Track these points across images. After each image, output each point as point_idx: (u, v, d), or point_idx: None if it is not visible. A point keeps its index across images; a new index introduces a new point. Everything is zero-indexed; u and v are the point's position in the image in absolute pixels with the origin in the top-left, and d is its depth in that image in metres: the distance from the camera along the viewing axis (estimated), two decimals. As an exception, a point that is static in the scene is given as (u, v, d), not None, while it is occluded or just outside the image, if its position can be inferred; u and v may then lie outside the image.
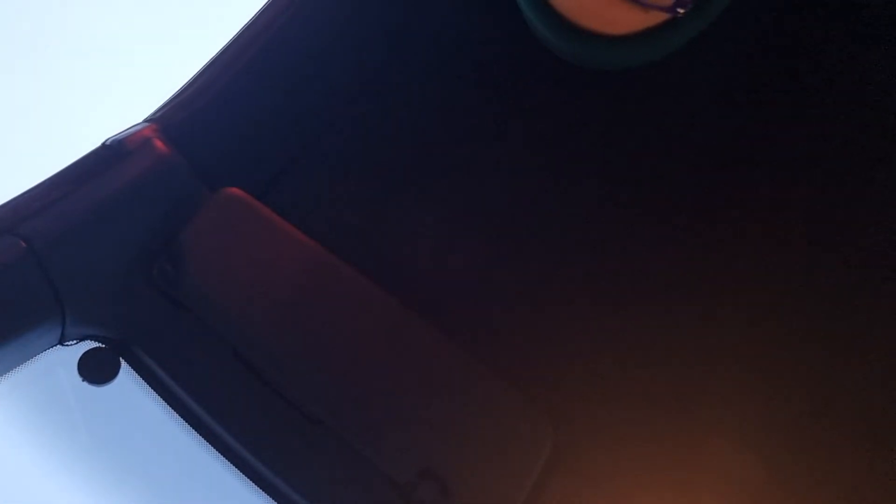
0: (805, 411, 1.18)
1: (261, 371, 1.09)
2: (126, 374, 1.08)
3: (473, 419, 1.10)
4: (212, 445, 1.06)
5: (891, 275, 1.24)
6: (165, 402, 1.07)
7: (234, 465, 1.05)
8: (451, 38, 1.45)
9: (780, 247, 1.28)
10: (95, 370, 1.06)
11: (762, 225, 1.30)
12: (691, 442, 1.17)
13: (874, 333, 1.21)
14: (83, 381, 1.05)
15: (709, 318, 1.25)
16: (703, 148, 1.33)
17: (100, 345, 1.08)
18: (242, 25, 1.27)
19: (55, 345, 1.04)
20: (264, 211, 1.20)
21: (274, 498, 1.04)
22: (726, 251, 1.29)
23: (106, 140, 1.13)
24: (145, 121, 1.19)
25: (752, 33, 1.35)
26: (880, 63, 1.30)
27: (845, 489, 1.15)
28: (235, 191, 1.20)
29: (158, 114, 1.20)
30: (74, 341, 1.06)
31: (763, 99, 1.34)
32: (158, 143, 1.16)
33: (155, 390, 1.07)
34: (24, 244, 1.00)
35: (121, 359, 1.08)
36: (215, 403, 1.07)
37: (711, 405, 1.19)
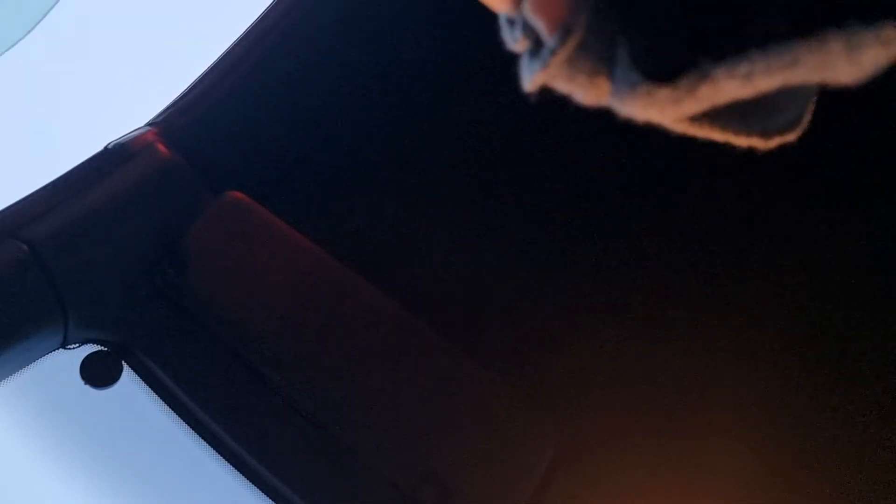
0: (808, 414, 1.18)
1: (263, 374, 1.09)
2: (128, 377, 1.08)
3: (475, 422, 1.10)
4: (214, 449, 1.05)
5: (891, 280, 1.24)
6: (168, 405, 1.07)
7: (236, 468, 1.05)
8: (456, 42, 1.45)
9: (783, 246, 1.28)
10: (98, 373, 1.06)
11: (764, 221, 1.30)
12: (693, 443, 1.17)
13: (878, 336, 1.22)
14: (85, 384, 1.05)
15: (711, 320, 1.25)
16: (702, 152, 1.33)
17: (102, 348, 1.08)
18: (244, 30, 1.27)
19: (57, 348, 1.04)
20: (266, 214, 1.20)
21: (275, 500, 1.04)
22: (728, 252, 1.30)
23: (108, 144, 1.13)
24: (147, 124, 1.19)
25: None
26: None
27: (848, 491, 1.15)
28: (238, 194, 1.20)
29: (161, 117, 1.20)
30: (77, 345, 1.06)
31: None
32: (161, 147, 1.17)
33: (157, 394, 1.07)
34: (26, 248, 1.00)
35: (123, 362, 1.08)
36: (217, 407, 1.07)
37: (714, 407, 1.20)
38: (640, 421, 1.19)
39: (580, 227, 1.34)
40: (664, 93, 0.23)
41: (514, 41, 0.29)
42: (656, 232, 1.32)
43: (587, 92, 0.26)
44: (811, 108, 0.27)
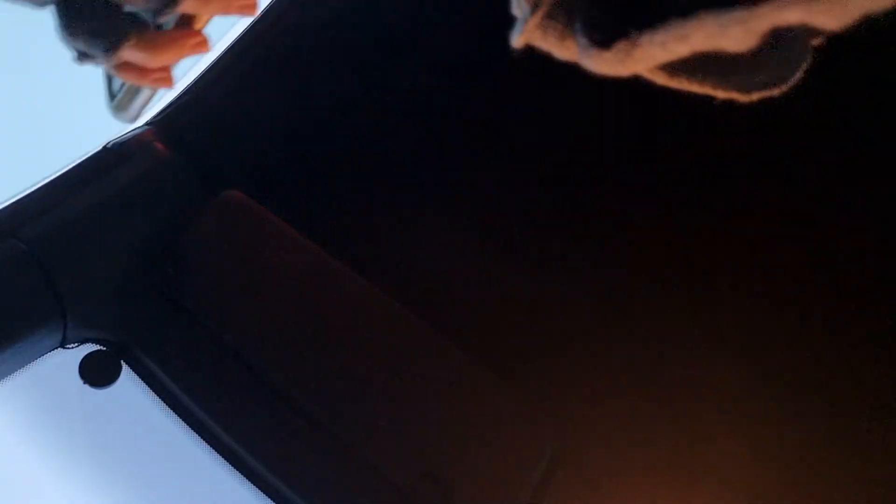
0: (809, 414, 1.18)
1: (262, 373, 1.09)
2: (127, 376, 1.08)
3: (475, 421, 1.10)
4: (213, 448, 1.05)
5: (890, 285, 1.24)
6: (167, 404, 1.07)
7: (235, 467, 1.05)
8: (456, 40, 1.45)
9: (786, 246, 1.28)
10: (97, 373, 1.06)
11: (766, 225, 1.30)
12: (693, 443, 1.17)
13: (880, 335, 1.22)
14: (84, 383, 1.05)
15: (711, 320, 1.25)
16: (707, 155, 1.33)
17: (101, 348, 1.08)
18: (243, 29, 1.27)
19: (56, 348, 1.04)
20: (265, 213, 1.20)
21: (275, 501, 1.04)
22: (730, 253, 1.30)
23: (107, 143, 1.13)
24: (146, 123, 1.19)
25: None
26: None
27: (849, 491, 1.15)
28: (236, 193, 1.20)
29: (159, 116, 1.20)
30: (75, 344, 1.06)
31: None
32: (159, 146, 1.17)
33: (156, 393, 1.07)
34: (24, 247, 1.00)
35: (122, 361, 1.08)
36: (216, 406, 1.07)
37: (714, 407, 1.20)
38: (640, 421, 1.19)
39: (581, 227, 1.34)
40: (608, 55, 0.29)
41: (516, 6, 0.34)
42: (657, 233, 1.32)
43: (560, 51, 0.32)
44: (801, 68, 0.31)
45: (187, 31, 0.49)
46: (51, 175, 1.08)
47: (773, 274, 1.27)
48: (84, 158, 1.10)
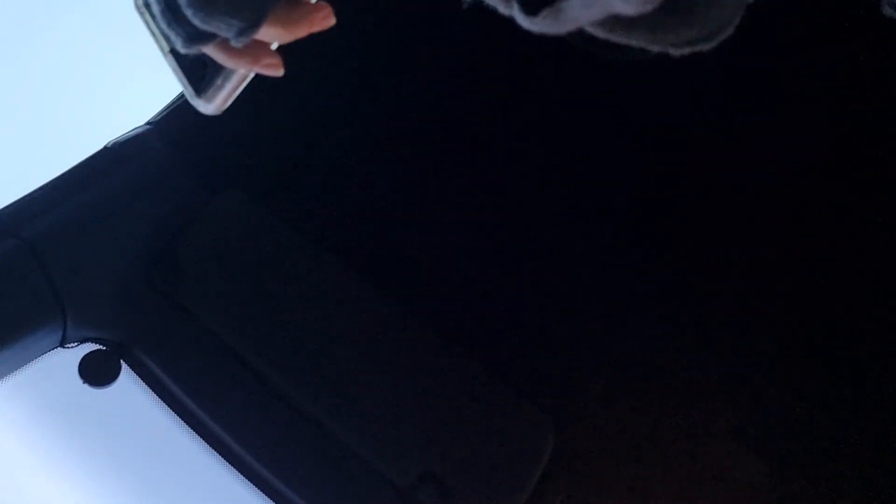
0: (809, 414, 1.18)
1: (261, 373, 1.09)
2: (126, 376, 1.08)
3: (474, 421, 1.10)
4: (212, 447, 1.05)
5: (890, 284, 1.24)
6: (166, 404, 1.07)
7: (234, 466, 1.05)
8: (455, 42, 1.45)
9: (785, 247, 1.28)
10: (96, 372, 1.06)
11: (765, 222, 1.30)
12: (693, 443, 1.17)
13: (879, 335, 1.21)
14: (84, 383, 1.05)
15: (709, 320, 1.25)
16: (717, 171, 1.34)
17: (100, 347, 1.08)
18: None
19: (56, 347, 1.04)
20: (265, 213, 1.20)
21: (274, 500, 1.04)
22: (726, 255, 1.30)
23: (108, 143, 1.13)
24: (147, 124, 1.19)
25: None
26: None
27: (848, 491, 1.14)
28: (236, 193, 1.20)
29: (160, 117, 1.20)
30: (75, 343, 1.06)
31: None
32: (160, 147, 1.17)
33: (155, 392, 1.07)
34: (26, 246, 1.00)
35: (121, 361, 1.08)
36: (216, 406, 1.07)
37: (713, 407, 1.19)
38: (639, 420, 1.19)
39: (579, 226, 1.34)
40: (537, 20, 0.33)
41: None
42: (656, 234, 1.32)
43: (503, 9, 0.36)
44: (732, 24, 0.34)
45: (317, 3, 0.48)
46: (52, 175, 1.08)
47: (776, 275, 1.27)
48: (85, 158, 1.11)
